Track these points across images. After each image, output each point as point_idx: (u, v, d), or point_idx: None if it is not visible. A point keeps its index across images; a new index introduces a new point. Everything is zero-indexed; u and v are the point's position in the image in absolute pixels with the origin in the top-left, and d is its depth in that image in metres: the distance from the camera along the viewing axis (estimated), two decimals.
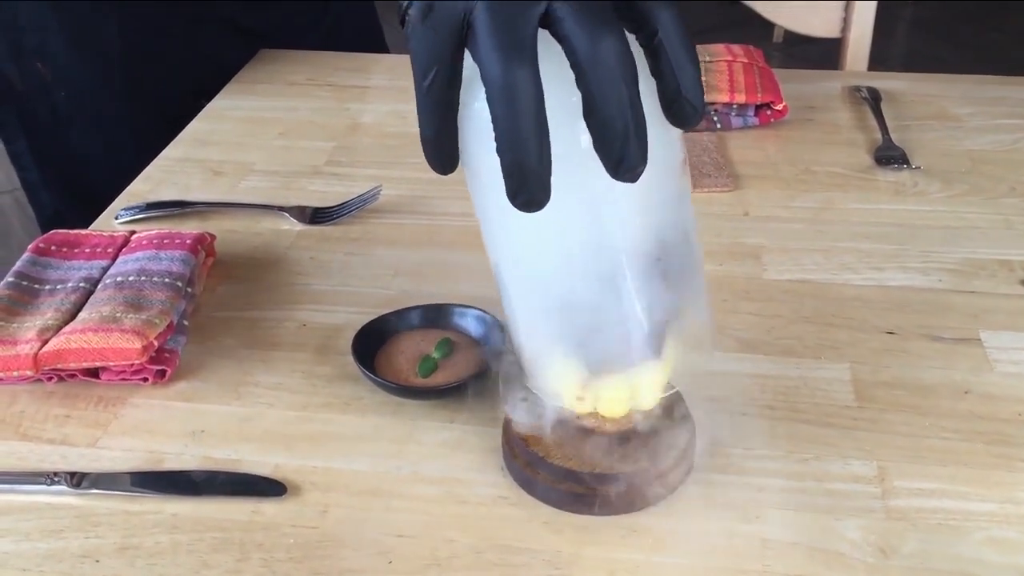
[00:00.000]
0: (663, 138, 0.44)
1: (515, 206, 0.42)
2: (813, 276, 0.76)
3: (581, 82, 0.40)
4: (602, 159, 0.41)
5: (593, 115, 0.40)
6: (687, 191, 0.50)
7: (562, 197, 0.42)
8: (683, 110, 0.43)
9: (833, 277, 0.76)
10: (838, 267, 0.77)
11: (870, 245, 0.79)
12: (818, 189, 0.88)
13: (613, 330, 0.50)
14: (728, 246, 0.79)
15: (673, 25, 0.42)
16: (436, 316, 0.68)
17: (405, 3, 0.43)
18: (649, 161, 0.42)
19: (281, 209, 0.84)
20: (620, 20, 0.42)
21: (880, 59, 1.33)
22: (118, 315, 0.65)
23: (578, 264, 0.48)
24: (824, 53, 1.38)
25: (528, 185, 0.41)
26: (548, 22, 0.40)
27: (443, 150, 0.44)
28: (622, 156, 0.41)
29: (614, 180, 0.42)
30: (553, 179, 0.41)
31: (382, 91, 1.07)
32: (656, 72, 0.42)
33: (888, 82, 1.06)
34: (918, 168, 0.90)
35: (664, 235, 0.48)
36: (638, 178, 0.42)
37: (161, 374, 0.65)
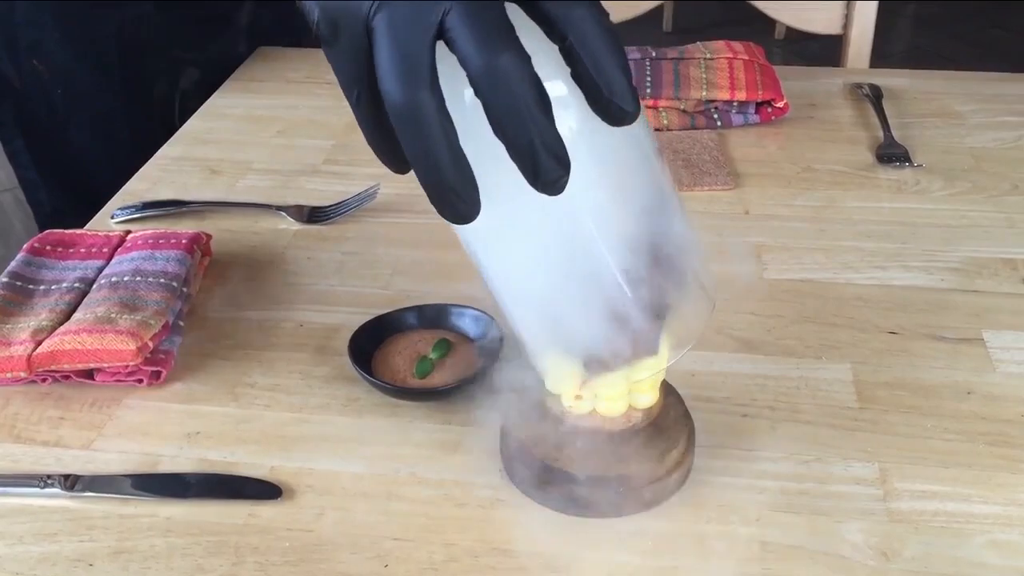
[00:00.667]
0: (620, 133, 0.43)
1: (445, 219, 0.41)
2: (814, 275, 0.75)
3: (480, 99, 0.39)
4: (521, 172, 0.40)
5: (498, 132, 0.39)
6: (665, 178, 0.48)
7: (521, 197, 0.41)
8: (611, 113, 0.41)
9: (834, 276, 0.75)
10: (839, 266, 0.76)
11: (872, 244, 0.79)
12: (819, 187, 0.87)
13: (601, 328, 0.48)
14: (729, 245, 0.79)
15: (589, 23, 0.40)
16: (433, 316, 0.68)
17: (313, 23, 0.42)
18: (611, 158, 0.40)
19: (278, 208, 0.84)
20: (535, 21, 0.40)
21: (881, 56, 1.32)
22: (113, 316, 0.65)
23: (556, 262, 0.47)
24: (825, 49, 1.37)
25: (451, 202, 0.40)
26: (445, 40, 0.39)
27: (391, 155, 0.43)
28: (535, 170, 0.39)
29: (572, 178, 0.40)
30: (509, 179, 0.40)
31: None
32: (574, 76, 0.40)
33: (890, 79, 1.05)
34: (920, 166, 0.89)
35: (646, 227, 0.47)
36: (561, 190, 0.40)
37: (156, 375, 0.65)
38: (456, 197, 0.40)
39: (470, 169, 0.40)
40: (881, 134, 0.94)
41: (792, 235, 0.80)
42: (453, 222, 0.41)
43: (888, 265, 0.76)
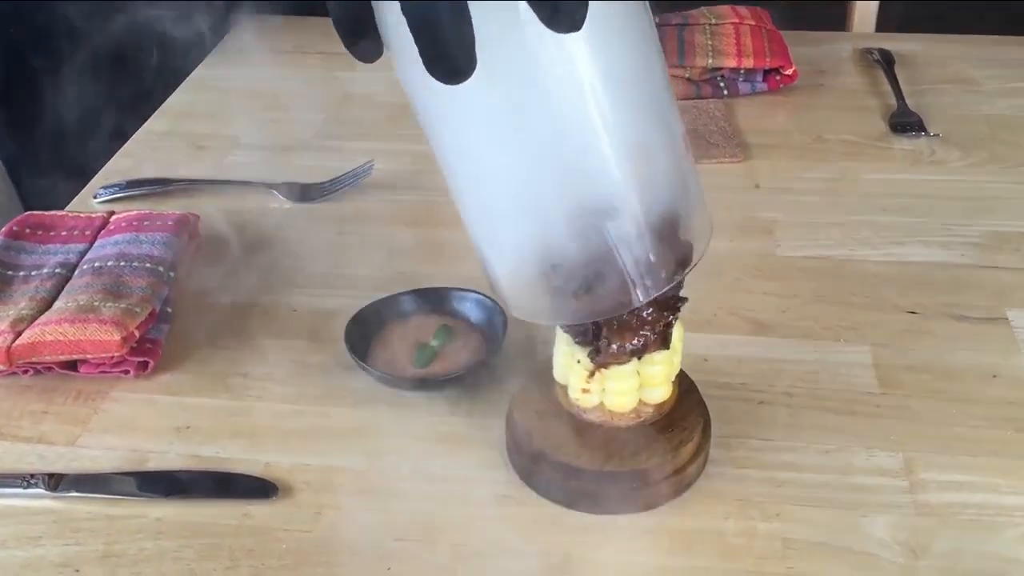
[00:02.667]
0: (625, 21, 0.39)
1: (436, 78, 0.35)
2: (829, 252, 0.72)
3: None
4: (535, 9, 0.35)
5: None
6: (660, 63, 0.44)
7: (502, 72, 0.37)
8: None
9: (850, 253, 0.72)
10: (855, 242, 0.73)
11: (888, 218, 0.75)
12: (832, 158, 0.84)
13: (593, 236, 0.43)
14: (739, 221, 0.76)
15: None
16: (434, 301, 0.64)
17: None
18: (604, 20, 0.37)
19: (269, 186, 0.80)
20: None
21: (878, 19, 1.28)
22: (96, 304, 0.61)
23: (546, 161, 0.41)
24: (819, 10, 1.32)
25: (444, 47, 0.35)
26: None
27: (359, 32, 0.38)
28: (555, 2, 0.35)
29: (563, 46, 0.36)
30: (493, 50, 0.36)
31: None
32: None
33: (900, 44, 1.02)
34: (936, 135, 0.86)
35: (642, 120, 0.42)
36: (580, 25, 0.35)
37: (143, 366, 0.62)
38: (451, 38, 0.35)
39: (467, 10, 0.35)
40: (894, 102, 0.91)
41: (805, 210, 0.77)
42: (445, 78, 0.36)
43: (906, 240, 0.73)
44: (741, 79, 0.93)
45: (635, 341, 0.49)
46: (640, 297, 0.44)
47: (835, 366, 0.62)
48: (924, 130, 0.86)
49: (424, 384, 0.60)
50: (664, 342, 0.50)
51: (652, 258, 0.44)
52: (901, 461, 0.55)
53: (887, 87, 0.94)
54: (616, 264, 0.43)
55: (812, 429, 0.57)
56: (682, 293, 0.50)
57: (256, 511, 0.53)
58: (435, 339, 0.62)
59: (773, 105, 0.92)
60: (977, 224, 0.74)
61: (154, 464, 0.56)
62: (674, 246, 0.45)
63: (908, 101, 0.91)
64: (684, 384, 0.57)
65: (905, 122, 0.88)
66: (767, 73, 0.93)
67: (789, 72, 0.93)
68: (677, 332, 0.51)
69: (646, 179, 0.43)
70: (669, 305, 0.50)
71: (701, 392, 0.57)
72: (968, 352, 0.63)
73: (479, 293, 0.64)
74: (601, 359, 0.50)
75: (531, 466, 0.54)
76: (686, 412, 0.55)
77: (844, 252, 0.72)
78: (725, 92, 0.93)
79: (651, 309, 0.49)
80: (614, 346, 0.49)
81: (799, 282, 0.69)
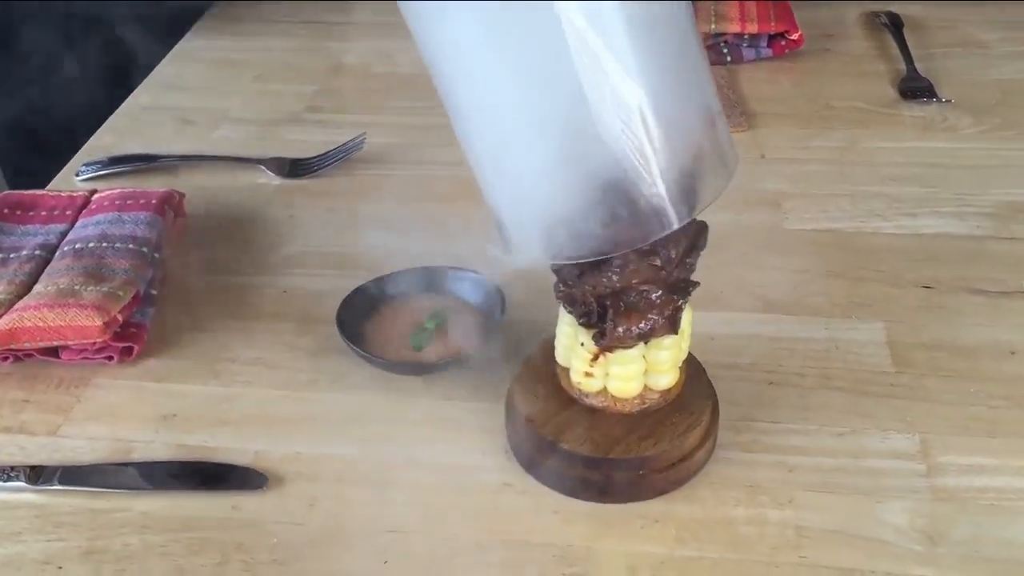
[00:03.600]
0: None
1: None
2: (839, 224, 0.70)
3: None
4: None
5: None
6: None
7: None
8: None
9: (861, 225, 0.69)
10: (866, 214, 0.70)
11: (899, 188, 0.73)
12: (839, 126, 0.81)
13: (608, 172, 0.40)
14: (745, 193, 0.73)
15: None
16: (429, 281, 0.62)
17: None
18: None
19: (258, 161, 0.78)
20: None
21: None
22: (77, 287, 0.59)
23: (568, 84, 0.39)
24: None
25: None
26: None
27: None
28: None
29: None
30: None
31: (366, 28, 0.99)
32: None
33: (907, 6, 0.99)
34: (947, 101, 0.83)
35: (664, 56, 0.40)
36: None
37: (128, 351, 0.59)
38: None
39: None
40: (903, 67, 0.88)
41: (813, 180, 0.74)
42: None
43: (918, 211, 0.71)
44: (745, 45, 0.90)
45: (642, 325, 0.47)
46: (672, 222, 0.41)
47: (847, 344, 0.59)
48: (935, 96, 0.84)
49: (420, 368, 0.58)
50: (672, 327, 0.48)
51: (675, 185, 0.41)
52: (917, 443, 0.53)
53: (896, 51, 0.91)
54: (641, 187, 0.41)
55: (824, 411, 0.55)
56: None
57: (246, 503, 0.51)
58: (431, 321, 0.59)
59: (778, 71, 0.89)
60: (991, 193, 0.72)
61: (139, 454, 0.54)
62: (698, 176, 0.42)
63: (918, 66, 0.88)
64: (691, 366, 0.54)
65: (915, 87, 0.85)
66: (772, 38, 0.91)
67: (795, 37, 0.90)
68: (686, 316, 0.49)
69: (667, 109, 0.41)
70: (679, 288, 0.47)
71: (708, 373, 0.55)
72: (985, 328, 0.60)
73: (476, 272, 0.61)
74: (606, 342, 0.48)
75: (533, 453, 0.52)
76: (693, 395, 0.53)
77: (854, 224, 0.70)
78: (728, 59, 0.90)
79: (660, 292, 0.46)
80: (620, 329, 0.47)
81: (808, 256, 0.67)
